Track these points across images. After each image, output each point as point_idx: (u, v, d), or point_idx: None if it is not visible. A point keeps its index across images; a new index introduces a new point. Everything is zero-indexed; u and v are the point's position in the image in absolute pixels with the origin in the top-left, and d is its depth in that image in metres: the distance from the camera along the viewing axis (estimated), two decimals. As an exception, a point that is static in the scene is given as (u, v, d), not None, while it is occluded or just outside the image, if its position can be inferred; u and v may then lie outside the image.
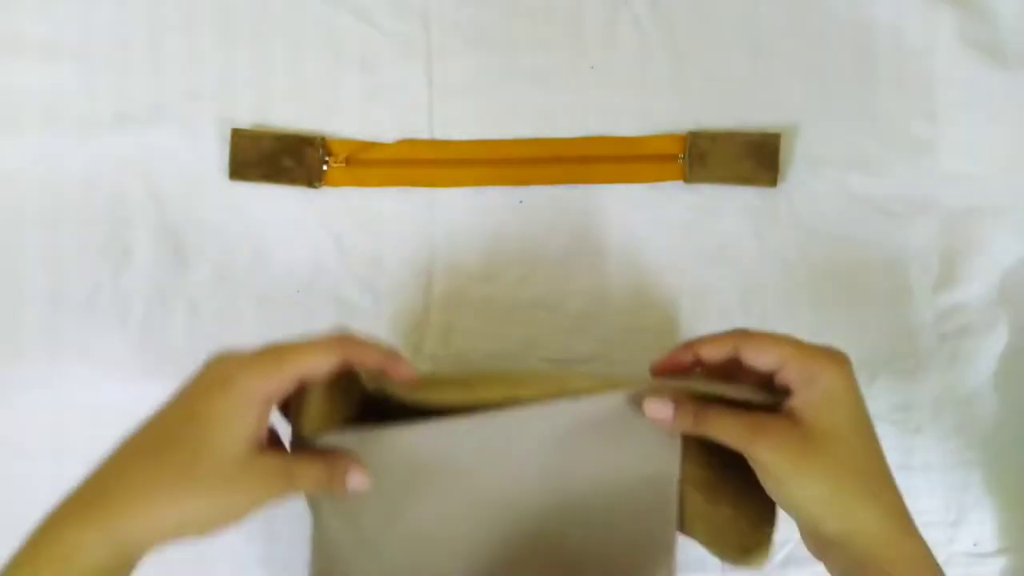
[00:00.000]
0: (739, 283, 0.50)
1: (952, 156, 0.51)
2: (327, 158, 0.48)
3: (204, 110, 0.49)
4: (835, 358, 0.37)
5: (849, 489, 0.36)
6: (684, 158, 0.49)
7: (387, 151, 0.49)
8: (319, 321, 0.49)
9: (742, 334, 0.38)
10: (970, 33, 0.50)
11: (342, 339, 0.35)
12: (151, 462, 0.33)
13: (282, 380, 0.34)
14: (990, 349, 0.51)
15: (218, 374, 0.34)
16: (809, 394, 0.36)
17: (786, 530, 0.50)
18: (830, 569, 0.38)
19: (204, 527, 0.34)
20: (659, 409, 0.38)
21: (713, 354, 0.39)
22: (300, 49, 0.49)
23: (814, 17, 0.51)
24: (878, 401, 0.50)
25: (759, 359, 0.37)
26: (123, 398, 0.48)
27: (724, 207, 0.50)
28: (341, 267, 0.49)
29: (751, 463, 0.37)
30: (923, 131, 0.51)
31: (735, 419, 0.37)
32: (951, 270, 0.51)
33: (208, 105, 0.49)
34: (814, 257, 0.50)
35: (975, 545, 0.51)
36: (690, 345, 0.40)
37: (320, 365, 0.34)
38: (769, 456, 0.36)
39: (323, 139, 0.49)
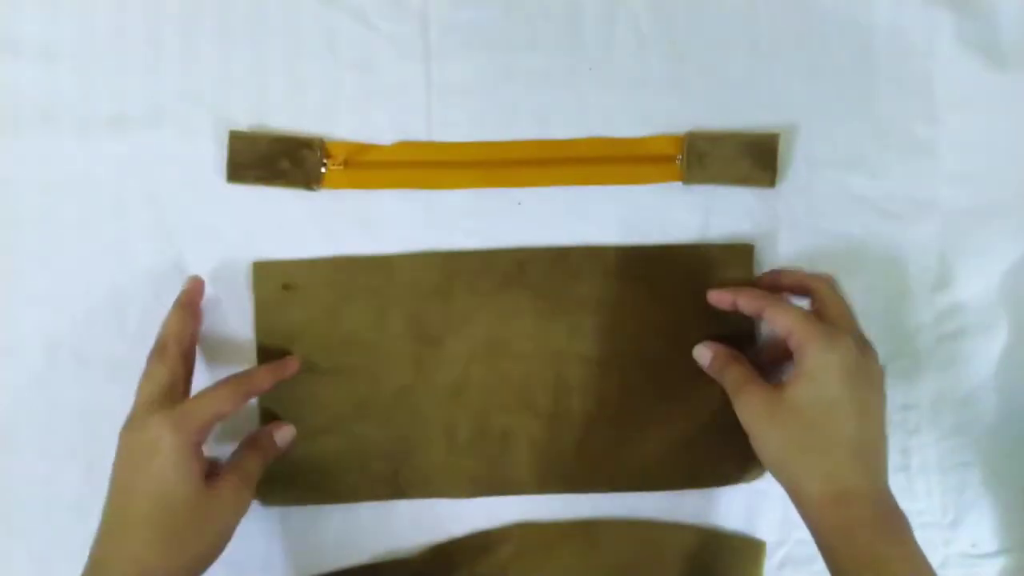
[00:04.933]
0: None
1: (952, 156, 0.51)
2: (325, 160, 0.48)
3: (202, 112, 0.49)
4: (831, 338, 0.41)
5: (797, 458, 0.41)
6: (682, 159, 0.49)
7: (385, 153, 0.49)
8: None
9: (767, 298, 0.45)
10: (970, 33, 0.50)
11: (236, 382, 0.44)
12: (141, 545, 0.40)
13: (195, 431, 0.41)
14: (989, 350, 0.51)
15: (143, 446, 0.41)
16: (798, 367, 0.42)
17: (783, 531, 0.50)
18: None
19: (212, 555, 0.42)
20: (702, 353, 0.48)
21: (747, 308, 0.46)
22: (298, 50, 0.49)
23: (813, 17, 0.51)
24: (876, 402, 0.51)
25: (775, 325, 0.43)
26: (120, 401, 0.48)
27: (722, 208, 0.50)
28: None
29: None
30: (922, 131, 0.51)
31: (738, 372, 0.45)
32: (950, 270, 0.51)
33: (206, 107, 0.49)
34: (812, 258, 0.50)
35: (973, 546, 0.51)
36: (732, 292, 0.47)
37: (225, 408, 0.42)
38: (740, 411, 0.43)
39: (321, 141, 0.49)
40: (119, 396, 0.48)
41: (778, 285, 0.48)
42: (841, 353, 0.41)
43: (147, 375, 0.43)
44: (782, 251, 0.50)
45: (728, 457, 0.49)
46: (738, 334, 0.49)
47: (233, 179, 0.48)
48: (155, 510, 0.40)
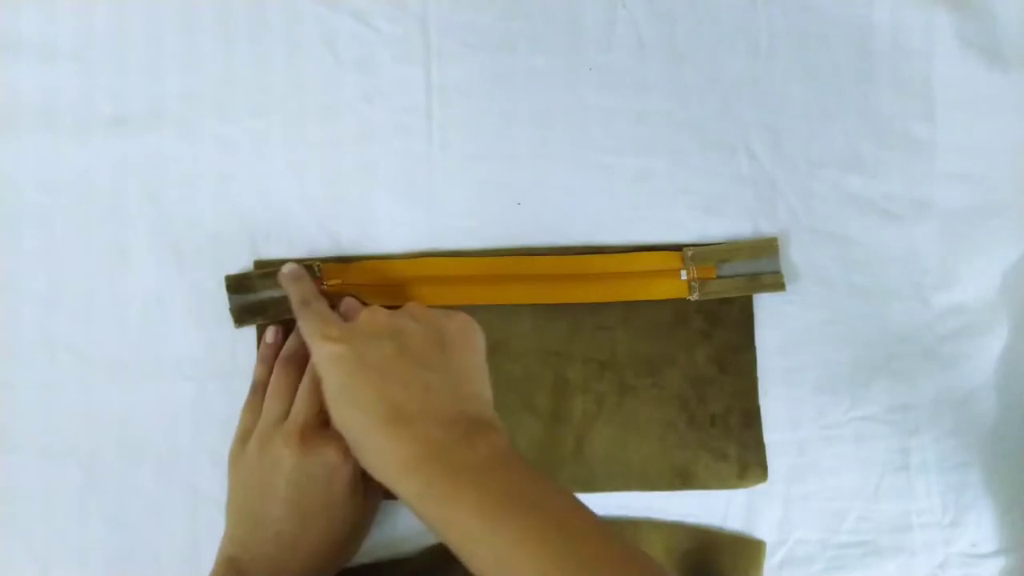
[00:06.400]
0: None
1: (951, 157, 0.51)
2: (323, 284, 0.48)
3: (202, 112, 0.49)
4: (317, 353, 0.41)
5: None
6: (688, 278, 0.49)
7: (384, 269, 0.48)
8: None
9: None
10: (968, 33, 0.50)
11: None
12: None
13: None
14: (988, 350, 0.51)
15: (317, 469, 0.42)
16: None
17: (783, 531, 0.50)
18: None
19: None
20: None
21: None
22: (298, 51, 0.50)
23: (812, 18, 0.51)
24: (876, 402, 0.51)
25: None
26: (120, 400, 0.48)
27: (722, 208, 0.50)
28: (340, 268, 0.49)
29: None
30: (921, 132, 0.51)
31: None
32: (950, 270, 0.51)
33: (206, 107, 0.49)
34: (812, 258, 0.50)
35: (973, 546, 0.51)
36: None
37: None
38: None
39: (317, 266, 0.48)
40: (119, 396, 0.48)
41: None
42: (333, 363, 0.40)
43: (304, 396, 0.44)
44: (781, 251, 0.50)
45: (728, 459, 0.49)
46: (736, 333, 0.49)
47: (239, 324, 0.48)
48: (321, 522, 0.42)
